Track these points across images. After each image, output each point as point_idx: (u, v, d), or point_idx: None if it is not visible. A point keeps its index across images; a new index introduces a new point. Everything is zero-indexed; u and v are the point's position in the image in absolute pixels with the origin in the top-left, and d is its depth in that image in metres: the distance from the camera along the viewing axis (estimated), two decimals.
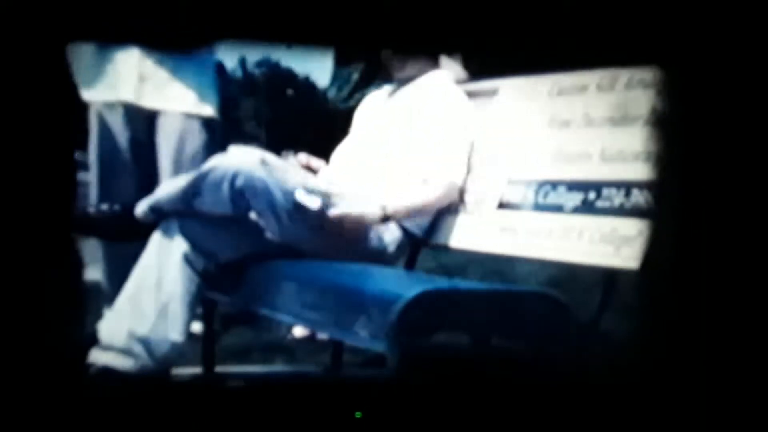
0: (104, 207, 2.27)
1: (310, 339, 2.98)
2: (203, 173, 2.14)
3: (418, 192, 2.30)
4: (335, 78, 3.39)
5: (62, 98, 1.17)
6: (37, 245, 1.22)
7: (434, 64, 2.45)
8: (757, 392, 1.08)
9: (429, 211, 2.32)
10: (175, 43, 2.82)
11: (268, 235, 2.17)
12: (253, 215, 2.18)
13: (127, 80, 2.88)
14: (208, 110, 2.93)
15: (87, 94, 2.92)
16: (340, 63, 3.39)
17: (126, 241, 2.29)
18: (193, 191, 2.14)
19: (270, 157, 2.19)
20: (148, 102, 2.89)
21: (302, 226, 2.17)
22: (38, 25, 1.07)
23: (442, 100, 2.36)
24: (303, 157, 2.48)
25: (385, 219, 2.23)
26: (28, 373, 1.21)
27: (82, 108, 2.49)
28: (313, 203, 2.17)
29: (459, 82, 2.46)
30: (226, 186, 2.09)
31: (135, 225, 2.22)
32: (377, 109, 2.53)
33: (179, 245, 2.15)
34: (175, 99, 2.89)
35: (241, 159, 2.15)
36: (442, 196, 2.30)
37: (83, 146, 2.76)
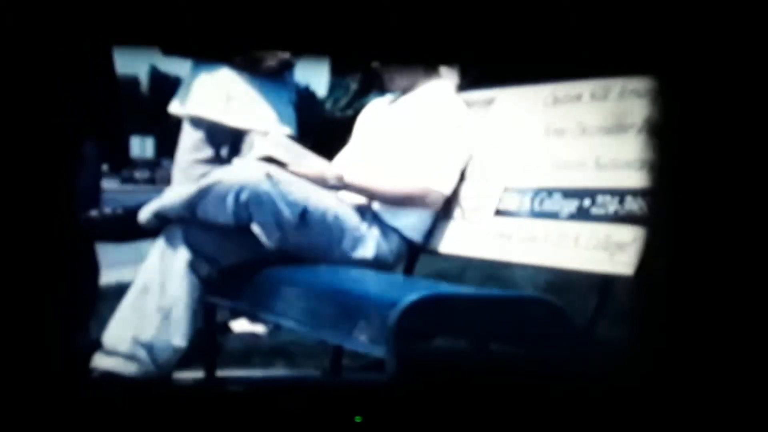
0: (107, 210, 2.30)
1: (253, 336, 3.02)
2: (209, 185, 2.15)
3: (386, 179, 2.30)
4: (333, 88, 3.43)
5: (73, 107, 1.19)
6: (41, 251, 1.24)
7: (429, 74, 2.46)
8: (753, 397, 1.09)
9: (390, 202, 2.29)
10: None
11: (269, 245, 2.19)
12: (254, 227, 2.20)
13: (216, 98, 2.99)
14: (287, 130, 3.03)
15: (177, 108, 3.06)
16: (336, 73, 3.43)
17: (128, 242, 2.32)
18: (197, 201, 2.15)
19: (275, 169, 2.20)
20: (232, 120, 2.98)
21: (306, 237, 2.19)
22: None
23: (442, 110, 2.37)
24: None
25: (339, 186, 2.25)
26: (31, 379, 1.23)
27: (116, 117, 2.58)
28: (282, 156, 2.22)
29: (456, 91, 2.48)
30: (230, 199, 2.11)
31: (137, 228, 2.24)
32: (378, 118, 2.55)
33: (182, 252, 2.17)
34: (257, 119, 3.00)
35: (247, 172, 2.17)
36: (410, 195, 2.28)
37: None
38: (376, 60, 2.48)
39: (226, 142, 3.04)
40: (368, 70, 3.15)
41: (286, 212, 2.15)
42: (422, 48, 1.20)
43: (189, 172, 2.98)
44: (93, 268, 2.48)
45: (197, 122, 3.05)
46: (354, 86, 3.33)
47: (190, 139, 3.06)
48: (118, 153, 2.81)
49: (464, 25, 1.15)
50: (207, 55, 2.98)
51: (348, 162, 2.49)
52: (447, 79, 2.48)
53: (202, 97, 3.03)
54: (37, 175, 1.20)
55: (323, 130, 3.23)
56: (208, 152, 3.03)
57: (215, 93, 3.01)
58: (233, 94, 3.00)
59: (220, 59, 3.00)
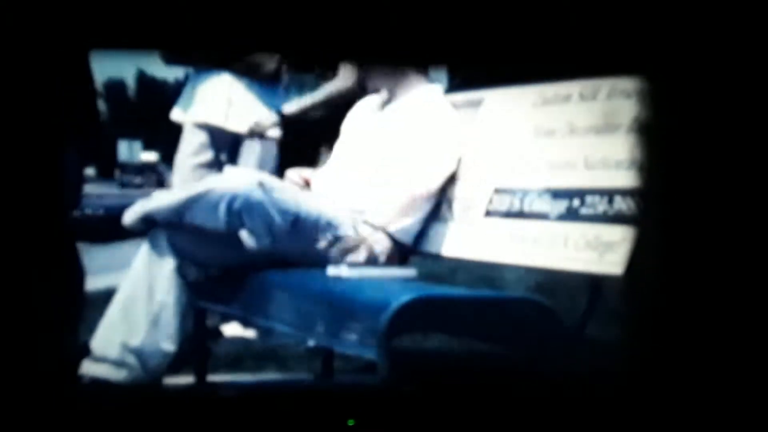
0: (88, 211, 2.29)
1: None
2: (200, 193, 2.14)
3: (388, 196, 2.31)
4: (289, 85, 3.46)
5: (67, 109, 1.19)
6: (29, 256, 1.23)
7: (414, 77, 2.45)
8: (744, 396, 1.09)
9: (404, 212, 2.31)
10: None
11: (257, 249, 2.18)
12: (243, 233, 2.19)
13: (217, 103, 3.00)
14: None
15: (178, 115, 3.10)
16: (293, 69, 3.46)
17: (107, 244, 2.32)
18: (187, 208, 2.15)
19: (267, 177, 2.21)
20: (233, 125, 3.00)
21: (297, 243, 2.19)
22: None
23: (430, 113, 2.37)
24: (293, 173, 2.50)
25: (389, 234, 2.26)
26: (21, 386, 1.22)
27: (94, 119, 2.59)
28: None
29: (445, 92, 2.48)
30: (223, 207, 2.10)
31: (118, 230, 2.24)
32: (366, 122, 2.54)
33: (169, 256, 2.17)
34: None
35: (239, 180, 2.17)
36: (406, 205, 2.29)
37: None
38: (372, 62, 2.47)
39: (226, 146, 3.08)
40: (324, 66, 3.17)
41: (278, 219, 2.15)
42: (415, 49, 1.20)
43: (189, 177, 3.00)
44: (79, 271, 2.47)
45: (199, 127, 3.07)
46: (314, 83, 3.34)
47: (191, 144, 3.08)
48: (99, 155, 2.85)
49: (453, 26, 1.15)
50: (207, 63, 3.02)
51: (337, 168, 2.48)
52: (432, 81, 2.46)
53: (203, 103, 3.06)
54: (20, 177, 1.19)
55: (296, 128, 3.23)
56: (208, 156, 3.07)
57: (216, 98, 3.04)
58: (233, 98, 3.03)
59: (220, 65, 3.03)
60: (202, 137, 3.07)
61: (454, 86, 2.55)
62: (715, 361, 1.10)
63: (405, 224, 2.32)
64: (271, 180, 2.21)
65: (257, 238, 2.15)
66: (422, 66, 2.42)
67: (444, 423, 1.54)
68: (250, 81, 3.04)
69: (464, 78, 2.57)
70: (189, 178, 2.97)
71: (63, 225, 2.17)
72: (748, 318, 1.10)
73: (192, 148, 3.08)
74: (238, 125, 3.04)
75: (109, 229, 2.25)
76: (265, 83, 3.06)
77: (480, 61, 1.22)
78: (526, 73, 2.17)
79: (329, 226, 2.22)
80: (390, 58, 1.94)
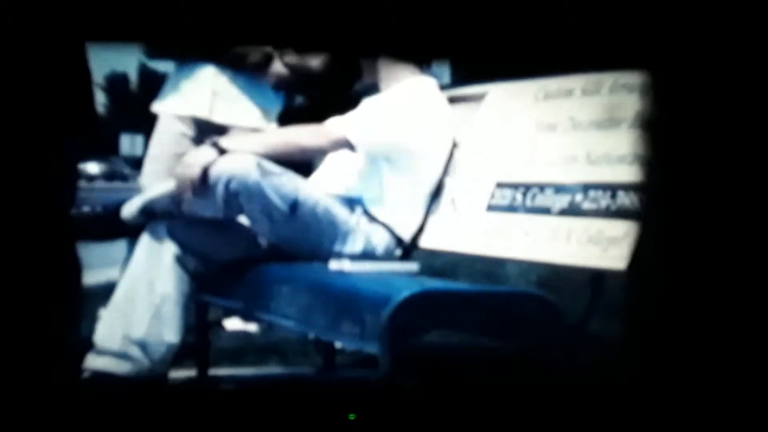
0: (86, 209, 2.28)
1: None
2: None
3: (383, 186, 2.29)
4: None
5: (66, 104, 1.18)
6: (32, 251, 1.23)
7: (406, 70, 2.43)
8: (746, 391, 1.09)
9: (399, 203, 2.29)
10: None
11: (260, 238, 2.19)
12: (243, 219, 2.19)
13: (201, 95, 2.98)
14: (272, 125, 3.03)
15: (161, 107, 3.06)
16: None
17: (108, 241, 2.31)
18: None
19: (265, 161, 2.19)
20: (218, 117, 2.99)
21: (295, 229, 2.18)
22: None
23: (419, 103, 2.36)
24: None
25: (222, 151, 2.15)
26: (24, 380, 1.22)
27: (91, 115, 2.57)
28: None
29: (449, 86, 2.47)
30: (220, 189, 2.09)
31: (117, 226, 2.23)
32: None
33: (169, 247, 2.16)
34: (243, 115, 3.00)
35: (236, 163, 2.15)
36: (400, 191, 2.27)
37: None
38: (372, 55, 2.46)
39: (209, 137, 3.04)
40: None
41: (277, 202, 2.13)
42: (417, 43, 1.20)
43: (168, 166, 2.96)
44: (76, 266, 2.46)
45: (180, 118, 3.04)
46: None
47: (170, 134, 3.04)
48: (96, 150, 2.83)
49: (455, 20, 1.15)
50: (192, 56, 2.99)
51: (338, 162, 2.47)
52: (425, 73, 2.45)
53: (187, 94, 3.03)
54: (14, 171, 1.19)
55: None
56: (190, 148, 3.02)
57: (200, 90, 3.01)
58: (218, 90, 3.00)
59: (205, 57, 3.00)
60: (185, 128, 3.04)
61: (456, 80, 2.54)
62: (717, 356, 1.10)
63: (402, 217, 2.31)
64: (269, 164, 2.19)
65: (255, 221, 2.14)
66: (425, 60, 2.40)
67: (445, 417, 1.54)
68: (235, 72, 3.01)
69: (467, 72, 2.56)
70: (168, 167, 2.93)
71: (58, 219, 2.16)
72: (752, 311, 1.10)
73: (172, 137, 3.03)
74: (223, 117, 3.01)
75: (109, 226, 2.24)
76: (251, 74, 3.03)
77: (483, 56, 1.22)
78: (528, 67, 2.17)
79: (327, 212, 2.21)
80: (391, 51, 1.94)
